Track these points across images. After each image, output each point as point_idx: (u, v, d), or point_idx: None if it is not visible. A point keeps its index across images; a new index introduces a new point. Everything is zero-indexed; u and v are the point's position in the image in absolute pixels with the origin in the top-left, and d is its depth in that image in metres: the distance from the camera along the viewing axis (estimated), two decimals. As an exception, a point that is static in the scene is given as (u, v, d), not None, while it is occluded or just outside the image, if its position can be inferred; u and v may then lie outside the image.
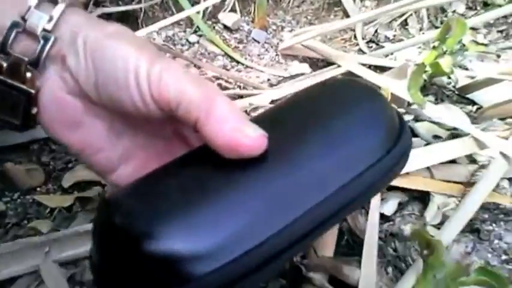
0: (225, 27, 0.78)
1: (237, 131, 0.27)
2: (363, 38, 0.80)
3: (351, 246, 0.48)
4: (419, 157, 0.55)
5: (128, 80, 0.28)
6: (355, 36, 0.81)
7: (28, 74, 0.30)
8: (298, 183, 0.27)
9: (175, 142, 0.35)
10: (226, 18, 0.78)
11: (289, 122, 0.30)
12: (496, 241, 0.52)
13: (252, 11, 0.81)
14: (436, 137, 0.61)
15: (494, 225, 0.54)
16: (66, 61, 0.30)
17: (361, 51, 0.77)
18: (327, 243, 0.46)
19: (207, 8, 0.78)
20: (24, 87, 0.30)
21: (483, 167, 0.57)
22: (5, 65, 0.30)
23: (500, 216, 0.54)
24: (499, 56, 0.80)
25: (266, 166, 0.27)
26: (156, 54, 0.29)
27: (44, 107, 0.31)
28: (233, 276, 0.24)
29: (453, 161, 0.57)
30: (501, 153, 0.55)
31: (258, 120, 0.29)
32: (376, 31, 0.82)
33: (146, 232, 0.23)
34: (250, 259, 0.24)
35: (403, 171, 0.38)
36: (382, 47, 0.78)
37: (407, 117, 0.62)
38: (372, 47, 0.79)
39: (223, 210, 0.25)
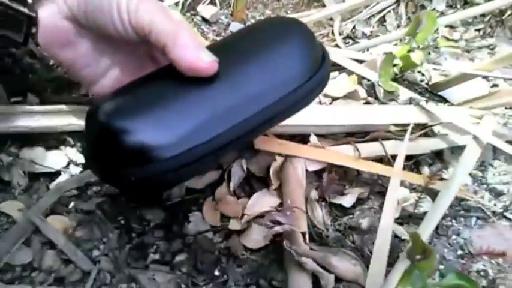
0: (204, 19, 0.79)
1: (195, 57, 0.34)
2: (340, 34, 0.80)
3: (313, 238, 0.49)
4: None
5: (111, 9, 0.36)
6: (332, 32, 0.81)
7: (29, 0, 0.37)
8: (238, 99, 0.36)
9: (147, 61, 0.43)
10: (205, 10, 0.79)
11: (234, 51, 0.39)
12: (454, 236, 0.53)
13: (231, 4, 0.81)
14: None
15: (454, 220, 0.55)
16: None
17: (337, 46, 0.78)
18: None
19: (186, 0, 0.78)
20: (26, 10, 0.37)
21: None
22: None
23: (460, 212, 0.55)
24: (472, 56, 0.81)
25: (216, 83, 0.35)
26: None
27: (42, 28, 0.38)
28: (186, 161, 0.33)
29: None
30: (474, 137, 0.57)
31: (211, 48, 0.36)
32: (354, 27, 0.82)
33: (121, 126, 0.32)
34: (198, 151, 0.33)
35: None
36: (358, 42, 0.79)
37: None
38: (348, 42, 0.80)
39: (180, 113, 0.34)
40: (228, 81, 0.36)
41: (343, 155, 0.54)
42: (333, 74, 0.68)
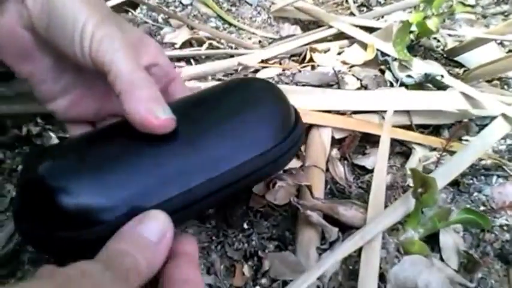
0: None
1: (149, 112, 0.31)
2: (354, 2, 0.81)
3: (334, 194, 0.50)
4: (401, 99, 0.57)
5: (74, 37, 0.33)
6: (346, 1, 0.82)
7: None
8: (195, 161, 0.33)
9: (109, 87, 0.37)
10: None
11: (199, 109, 0.36)
12: (476, 193, 0.54)
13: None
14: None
15: (475, 179, 0.56)
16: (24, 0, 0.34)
17: (352, 14, 0.78)
18: (318, 188, 0.48)
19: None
20: None
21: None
22: None
23: (481, 171, 0.56)
24: (487, 23, 0.81)
25: (173, 142, 0.33)
26: (106, 17, 0.34)
27: (1, 36, 0.35)
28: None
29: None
30: (503, 114, 0.57)
31: (175, 104, 0.34)
32: (368, -5, 0.83)
33: (62, 185, 0.29)
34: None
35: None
36: (373, 10, 0.79)
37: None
38: (363, 10, 0.80)
39: (126, 175, 0.30)
40: (187, 141, 0.33)
41: (368, 122, 0.55)
42: (344, 43, 0.70)
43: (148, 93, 0.33)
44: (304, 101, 0.54)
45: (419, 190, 0.40)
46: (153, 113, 0.32)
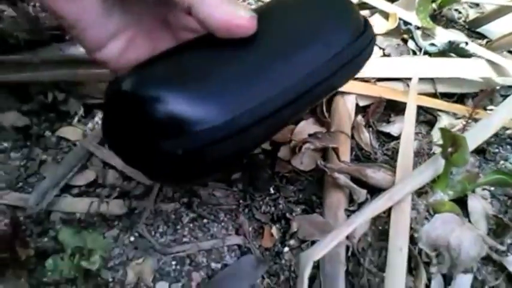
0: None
1: (231, 13, 0.29)
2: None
3: (360, 159, 0.50)
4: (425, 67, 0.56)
5: None
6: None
7: None
8: (283, 65, 0.32)
9: (160, 25, 0.37)
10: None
11: (276, 15, 0.35)
12: (502, 162, 0.54)
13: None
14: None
15: (500, 147, 0.55)
16: None
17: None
18: (344, 154, 0.48)
19: None
20: None
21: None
22: None
23: (506, 140, 0.56)
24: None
25: (257, 47, 0.31)
26: None
27: None
28: (222, 135, 0.28)
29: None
30: None
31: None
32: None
33: (156, 94, 0.28)
34: (246, 118, 0.29)
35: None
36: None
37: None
38: (383, -18, 0.79)
39: (217, 84, 0.29)
40: (271, 45, 0.32)
41: (393, 89, 0.55)
42: (365, 13, 0.69)
43: None
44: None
45: (449, 150, 0.40)
46: (235, 13, 0.30)
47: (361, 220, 0.38)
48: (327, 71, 0.34)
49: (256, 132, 0.31)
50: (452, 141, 0.40)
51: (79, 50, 0.55)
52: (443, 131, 0.40)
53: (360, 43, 0.37)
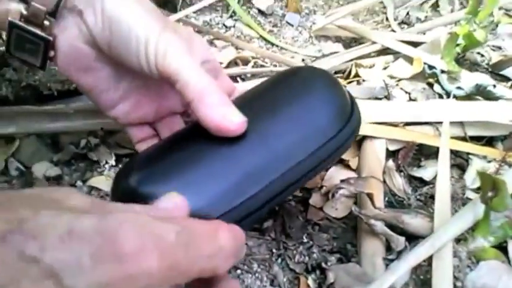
0: (260, 11, 0.81)
1: (224, 117, 0.33)
2: (394, 19, 0.81)
3: (393, 205, 0.49)
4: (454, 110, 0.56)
5: (139, 48, 0.34)
6: (387, 19, 0.82)
7: (46, 23, 0.36)
8: (270, 157, 0.34)
9: (166, 87, 0.41)
10: (261, 2, 0.81)
11: (261, 104, 0.38)
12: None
13: (286, -4, 0.83)
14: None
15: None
16: (83, 15, 0.35)
17: (393, 31, 0.79)
18: (377, 199, 0.47)
19: (241, -6, 0.81)
20: (42, 34, 0.36)
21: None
22: (25, 13, 0.35)
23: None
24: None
25: (244, 142, 0.34)
26: (164, 25, 0.35)
27: (61, 52, 0.37)
28: None
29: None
30: None
31: (238, 102, 0.36)
32: (407, 13, 0.83)
33: (149, 191, 0.31)
34: (233, 214, 0.32)
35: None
36: (414, 26, 0.79)
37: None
38: (403, 27, 0.80)
39: (208, 177, 0.33)
40: (257, 139, 0.35)
41: (423, 133, 0.55)
42: (389, 58, 0.69)
43: (219, 99, 0.34)
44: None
45: (489, 194, 0.39)
46: (227, 117, 0.33)
47: (403, 269, 0.37)
48: (313, 162, 0.36)
49: (242, 224, 0.32)
50: (492, 185, 0.39)
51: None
52: (482, 174, 0.40)
53: (347, 129, 0.38)
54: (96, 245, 0.20)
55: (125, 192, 0.33)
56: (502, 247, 0.43)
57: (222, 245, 0.25)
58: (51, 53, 0.37)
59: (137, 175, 0.34)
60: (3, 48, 0.53)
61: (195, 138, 0.35)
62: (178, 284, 0.23)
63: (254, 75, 0.67)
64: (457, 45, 0.67)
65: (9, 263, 0.18)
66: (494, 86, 0.59)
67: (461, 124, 0.57)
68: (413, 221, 0.44)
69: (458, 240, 0.43)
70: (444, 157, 0.50)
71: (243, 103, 0.37)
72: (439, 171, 0.48)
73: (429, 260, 0.40)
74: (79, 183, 0.50)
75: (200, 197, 0.31)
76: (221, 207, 0.32)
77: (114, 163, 0.52)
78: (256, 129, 0.35)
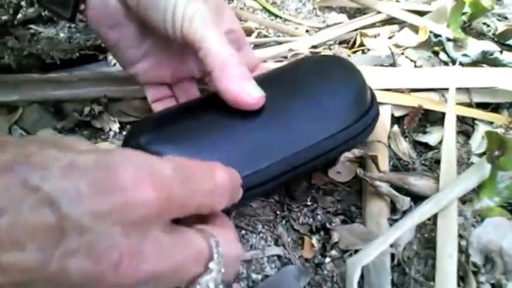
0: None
1: (243, 91, 0.34)
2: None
3: (398, 169, 0.49)
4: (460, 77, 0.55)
5: (166, 14, 0.35)
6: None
7: None
8: (282, 135, 0.35)
9: (187, 51, 0.42)
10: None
11: (283, 85, 0.38)
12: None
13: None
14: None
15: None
16: None
17: (398, 1, 0.77)
18: (382, 164, 0.47)
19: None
20: None
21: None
22: None
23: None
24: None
25: (261, 117, 0.35)
26: None
27: (91, 5, 0.38)
28: None
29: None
30: None
31: (259, 79, 0.36)
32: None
33: (158, 151, 0.32)
34: None
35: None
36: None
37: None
38: (408, -1, 0.79)
39: (217, 146, 0.34)
40: (274, 116, 0.36)
41: (429, 99, 0.54)
42: (394, 27, 0.69)
43: (240, 72, 0.35)
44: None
45: (496, 153, 0.39)
46: (246, 91, 0.34)
47: (408, 226, 0.37)
48: (328, 146, 0.37)
49: (247, 196, 0.33)
50: (499, 143, 0.38)
51: (111, 70, 0.56)
52: (489, 133, 0.39)
53: (365, 121, 0.39)
54: (95, 176, 0.20)
55: (135, 148, 0.34)
56: (507, 208, 0.43)
57: (219, 182, 0.26)
58: (82, 6, 0.38)
59: (148, 134, 0.34)
60: (6, 17, 0.53)
61: (211, 107, 0.36)
62: (175, 217, 0.23)
63: (257, 46, 0.66)
64: (463, 13, 0.66)
65: (12, 189, 0.18)
66: (501, 52, 0.58)
67: (467, 91, 0.56)
68: (419, 182, 0.43)
69: (463, 202, 0.43)
70: (450, 121, 0.49)
71: (265, 81, 0.37)
72: (445, 134, 0.48)
73: (434, 219, 0.40)
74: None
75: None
76: None
77: (117, 130, 0.52)
78: (273, 107, 0.36)
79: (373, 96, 0.41)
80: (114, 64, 0.57)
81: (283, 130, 0.35)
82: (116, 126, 0.52)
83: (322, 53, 0.63)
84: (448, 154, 0.45)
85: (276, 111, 0.36)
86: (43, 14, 0.59)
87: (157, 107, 0.44)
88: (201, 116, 0.36)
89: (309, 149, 0.36)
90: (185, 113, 0.37)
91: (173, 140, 0.34)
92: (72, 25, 0.59)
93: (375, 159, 0.45)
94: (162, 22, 0.36)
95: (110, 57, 0.59)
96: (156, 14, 0.36)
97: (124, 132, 0.52)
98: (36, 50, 0.55)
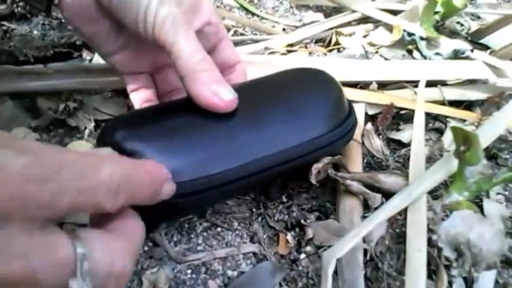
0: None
1: (215, 94, 0.34)
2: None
3: (372, 166, 0.50)
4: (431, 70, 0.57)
5: (138, 14, 0.35)
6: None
7: None
8: (254, 138, 0.36)
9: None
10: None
11: (262, 92, 0.40)
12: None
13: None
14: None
15: (511, 153, 0.55)
16: None
17: (373, 0, 0.78)
18: (356, 161, 0.48)
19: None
20: None
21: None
22: None
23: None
24: (510, 6, 0.81)
25: (234, 119, 0.36)
26: None
27: (72, 4, 0.38)
28: (190, 190, 0.33)
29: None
30: None
31: (238, 87, 0.37)
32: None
33: (132, 148, 0.33)
34: (205, 182, 0.34)
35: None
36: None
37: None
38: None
39: (192, 142, 0.34)
40: (249, 118, 0.37)
41: (401, 97, 0.55)
42: (369, 26, 0.70)
43: (211, 76, 0.35)
44: (335, 73, 0.54)
45: (462, 148, 0.40)
46: (218, 94, 0.35)
47: (379, 219, 0.38)
48: (302, 151, 0.38)
49: (214, 195, 0.35)
50: (464, 139, 0.39)
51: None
52: (455, 129, 0.40)
53: (341, 130, 0.40)
54: None
55: (109, 144, 0.34)
56: (477, 203, 0.45)
57: (105, 178, 0.23)
58: (56, 0, 0.38)
59: (123, 131, 0.34)
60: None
61: (187, 108, 0.36)
62: (42, 217, 0.21)
63: (234, 44, 0.66)
64: (436, 12, 0.67)
65: None
66: (472, 50, 0.60)
67: (439, 89, 0.57)
68: (389, 180, 0.44)
69: (435, 197, 0.44)
70: (419, 117, 0.50)
71: (245, 87, 0.39)
72: (414, 131, 0.49)
73: (405, 215, 0.41)
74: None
75: (177, 159, 0.33)
76: (195, 173, 0.33)
77: (93, 129, 0.52)
78: (250, 110, 0.37)
79: (351, 107, 0.42)
80: (90, 60, 0.57)
81: (258, 132, 0.36)
82: (91, 125, 0.52)
83: (299, 54, 0.64)
84: (417, 149, 0.46)
85: (252, 114, 0.37)
86: (16, 10, 0.58)
87: (136, 97, 0.44)
88: (176, 115, 0.37)
89: (281, 153, 0.37)
90: (161, 113, 0.38)
91: (148, 138, 0.34)
92: (46, 22, 0.59)
93: (344, 163, 0.45)
94: (134, 24, 0.36)
95: (85, 54, 0.59)
96: (129, 16, 0.36)
97: (98, 131, 0.52)
98: (9, 47, 0.54)
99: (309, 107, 0.39)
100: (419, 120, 0.50)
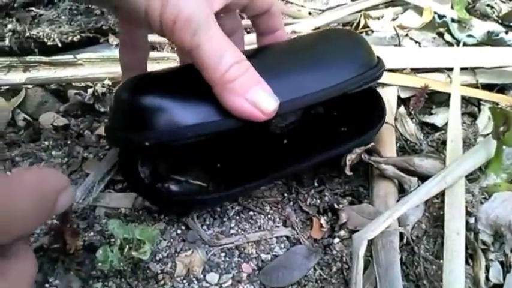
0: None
1: (253, 105, 0.30)
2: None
3: (405, 150, 0.49)
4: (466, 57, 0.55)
5: (138, 13, 0.30)
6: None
7: None
8: (301, 77, 0.37)
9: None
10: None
11: (301, 44, 0.42)
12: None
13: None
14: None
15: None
16: None
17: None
18: (389, 145, 0.47)
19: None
20: None
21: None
22: None
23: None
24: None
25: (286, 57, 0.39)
26: None
27: None
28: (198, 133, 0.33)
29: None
30: None
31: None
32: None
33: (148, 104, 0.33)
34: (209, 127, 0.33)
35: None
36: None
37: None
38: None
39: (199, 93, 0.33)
40: (296, 61, 0.37)
41: (433, 80, 0.54)
42: (398, 9, 0.68)
43: (245, 81, 0.30)
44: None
45: (501, 129, 0.38)
46: (258, 105, 0.30)
47: (414, 202, 0.37)
48: (343, 88, 0.38)
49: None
50: (504, 119, 0.38)
51: (113, 51, 0.56)
52: (494, 109, 0.39)
53: (371, 73, 0.40)
54: None
55: (121, 102, 0.35)
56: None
57: None
58: None
59: (139, 89, 0.34)
60: (6, 0, 0.53)
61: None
62: None
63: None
64: (468, -7, 0.66)
65: None
66: (507, 32, 0.58)
67: (472, 72, 0.56)
68: (424, 163, 0.43)
69: (470, 180, 0.42)
70: (455, 102, 0.49)
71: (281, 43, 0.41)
72: (450, 114, 0.48)
73: (442, 198, 0.40)
74: (87, 132, 0.50)
75: (186, 106, 0.33)
76: (201, 117, 0.33)
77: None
78: (296, 53, 0.39)
79: (379, 58, 0.43)
80: (116, 45, 0.56)
81: (306, 71, 0.37)
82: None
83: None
84: (454, 133, 0.45)
85: (300, 55, 0.38)
86: (43, -4, 0.59)
87: None
88: (193, 76, 0.34)
89: (325, 91, 0.37)
90: (177, 74, 0.37)
91: (163, 95, 0.33)
92: (73, 7, 0.59)
93: (377, 148, 0.44)
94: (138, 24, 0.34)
95: (111, 39, 0.58)
96: (129, 15, 0.33)
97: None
98: (37, 32, 0.54)
99: (346, 54, 0.41)
100: (455, 103, 0.48)
